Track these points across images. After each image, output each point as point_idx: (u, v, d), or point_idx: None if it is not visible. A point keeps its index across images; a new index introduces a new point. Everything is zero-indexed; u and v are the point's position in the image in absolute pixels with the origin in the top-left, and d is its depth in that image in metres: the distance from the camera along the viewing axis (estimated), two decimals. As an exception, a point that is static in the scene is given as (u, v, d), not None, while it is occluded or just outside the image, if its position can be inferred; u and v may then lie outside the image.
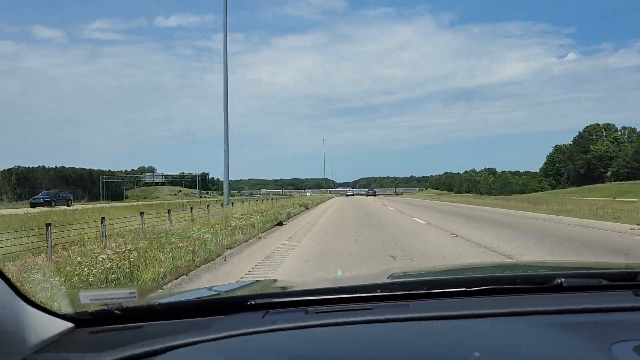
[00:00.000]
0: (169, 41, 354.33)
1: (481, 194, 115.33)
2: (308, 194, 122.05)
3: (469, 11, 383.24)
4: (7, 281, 1.10)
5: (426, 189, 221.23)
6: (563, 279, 1.47)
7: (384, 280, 1.70)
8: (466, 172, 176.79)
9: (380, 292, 1.45)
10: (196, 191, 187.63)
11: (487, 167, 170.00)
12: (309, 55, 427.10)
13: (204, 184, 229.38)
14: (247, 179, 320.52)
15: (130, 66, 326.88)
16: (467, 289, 1.46)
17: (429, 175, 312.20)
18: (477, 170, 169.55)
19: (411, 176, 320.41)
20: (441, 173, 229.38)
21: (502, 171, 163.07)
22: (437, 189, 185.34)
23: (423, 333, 1.20)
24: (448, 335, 1.19)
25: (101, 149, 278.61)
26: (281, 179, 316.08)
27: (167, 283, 6.76)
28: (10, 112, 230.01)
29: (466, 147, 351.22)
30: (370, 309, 1.34)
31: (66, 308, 1.36)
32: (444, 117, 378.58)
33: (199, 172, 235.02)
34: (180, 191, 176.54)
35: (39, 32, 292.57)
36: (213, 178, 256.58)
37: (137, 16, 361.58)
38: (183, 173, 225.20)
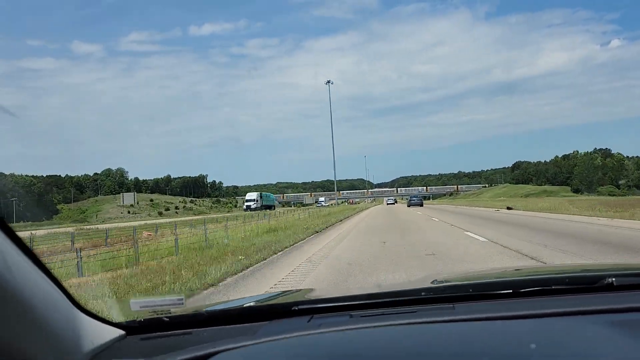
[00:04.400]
0: (204, 50, 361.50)
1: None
2: (322, 200, 78.30)
3: (505, 1, 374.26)
4: (64, 290, 1.13)
5: (489, 185, 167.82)
6: (614, 278, 1.41)
7: (428, 284, 1.65)
8: (559, 156, 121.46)
9: (424, 295, 1.42)
10: (178, 201, 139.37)
11: (598, 148, 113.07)
12: (345, 56, 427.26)
13: (200, 188, 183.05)
14: (274, 182, 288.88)
15: (168, 77, 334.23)
16: (515, 291, 1.41)
17: (479, 170, 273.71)
18: (581, 153, 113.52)
19: (459, 172, 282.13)
20: (508, 165, 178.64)
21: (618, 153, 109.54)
22: (525, 182, 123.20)
23: (470, 334, 1.17)
24: (496, 335, 1.15)
25: (139, 157, 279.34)
26: (311, 182, 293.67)
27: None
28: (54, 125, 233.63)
29: (515, 139, 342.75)
30: (415, 312, 1.32)
31: (117, 315, 1.41)
32: (486, 112, 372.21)
33: (212, 178, 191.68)
34: (152, 200, 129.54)
35: (77, 47, 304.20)
36: (214, 182, 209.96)
37: (171, 27, 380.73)
38: (169, 176, 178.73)
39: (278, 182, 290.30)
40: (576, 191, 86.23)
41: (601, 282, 1.41)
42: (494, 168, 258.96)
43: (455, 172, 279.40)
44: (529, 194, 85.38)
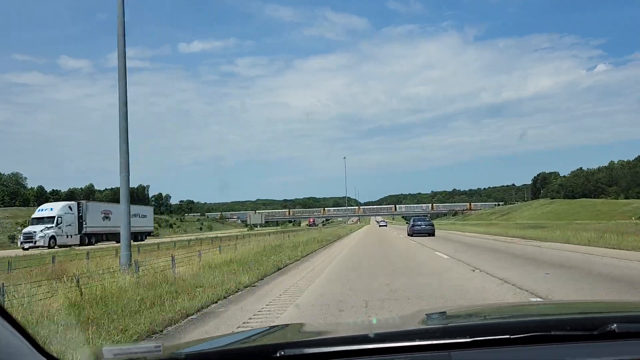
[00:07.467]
0: (193, 67, 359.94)
1: None
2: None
3: (494, 26, 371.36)
4: (27, 336, 1.05)
5: (502, 204, 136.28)
6: (615, 325, 1.31)
7: (422, 325, 1.59)
8: (615, 162, 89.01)
9: (419, 342, 1.33)
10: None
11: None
12: (335, 76, 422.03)
13: (139, 201, 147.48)
14: (254, 199, 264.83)
15: (157, 94, 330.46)
16: (512, 337, 1.32)
17: (476, 187, 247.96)
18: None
19: (454, 189, 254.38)
20: (506, 183, 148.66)
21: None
22: (576, 197, 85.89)
23: None
24: None
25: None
26: (294, 199, 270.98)
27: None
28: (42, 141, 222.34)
29: (502, 161, 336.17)
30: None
31: None
32: (474, 135, 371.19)
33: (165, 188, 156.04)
34: None
35: (65, 62, 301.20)
36: (162, 195, 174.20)
37: (161, 43, 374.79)
38: (92, 186, 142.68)
39: (258, 199, 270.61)
40: None
41: (602, 329, 1.31)
42: (492, 186, 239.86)
43: (450, 190, 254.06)
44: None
